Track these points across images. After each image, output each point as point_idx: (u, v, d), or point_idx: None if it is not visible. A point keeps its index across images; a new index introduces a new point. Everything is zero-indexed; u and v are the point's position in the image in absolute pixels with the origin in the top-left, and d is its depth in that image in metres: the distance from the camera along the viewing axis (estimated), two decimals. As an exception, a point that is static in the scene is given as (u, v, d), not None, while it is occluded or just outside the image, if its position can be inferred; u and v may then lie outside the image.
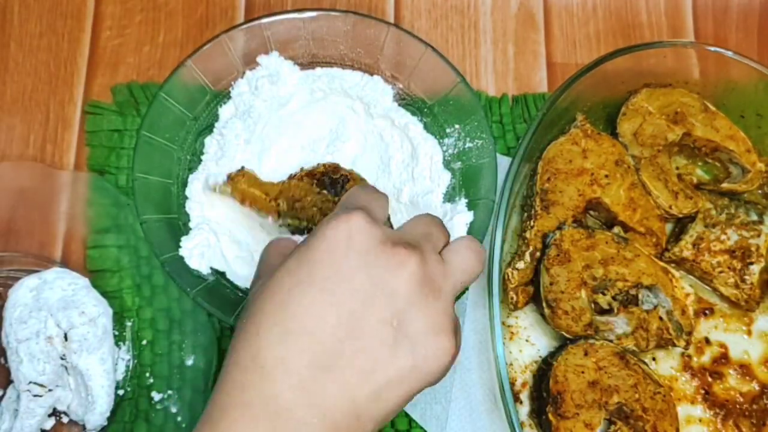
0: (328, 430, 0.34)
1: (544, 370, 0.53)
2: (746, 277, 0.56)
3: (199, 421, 0.35)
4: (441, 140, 0.58)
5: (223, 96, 0.58)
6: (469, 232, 0.54)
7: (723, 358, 0.56)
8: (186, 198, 0.55)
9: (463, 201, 0.55)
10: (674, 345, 0.54)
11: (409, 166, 0.57)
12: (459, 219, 0.54)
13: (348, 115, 0.59)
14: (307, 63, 0.59)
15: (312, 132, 0.59)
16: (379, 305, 0.36)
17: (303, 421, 0.34)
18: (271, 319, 0.36)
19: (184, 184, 0.56)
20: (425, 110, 0.59)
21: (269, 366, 0.35)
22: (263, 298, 0.37)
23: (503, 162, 0.59)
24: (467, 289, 0.58)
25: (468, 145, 0.57)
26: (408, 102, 0.59)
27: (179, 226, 0.55)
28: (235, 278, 0.54)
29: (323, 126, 0.59)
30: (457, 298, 0.41)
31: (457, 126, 0.57)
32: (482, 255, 0.41)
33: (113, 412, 0.54)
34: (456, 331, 0.38)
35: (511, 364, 0.54)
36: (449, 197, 0.57)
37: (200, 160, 0.57)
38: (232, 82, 0.58)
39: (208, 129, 0.58)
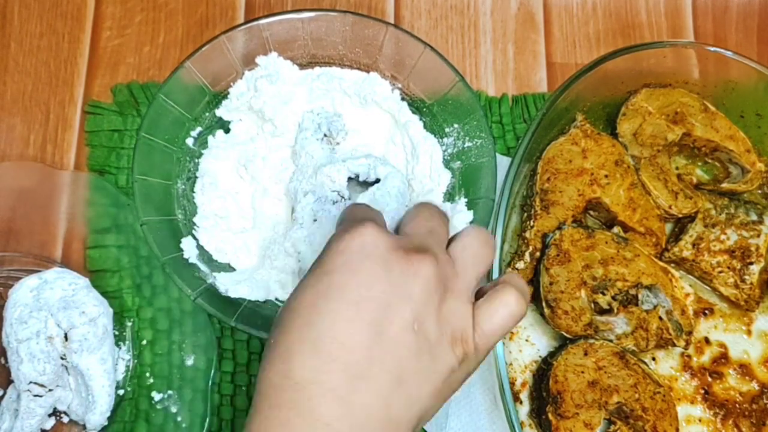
0: None
1: (543, 369, 0.53)
2: (746, 277, 0.56)
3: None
4: (440, 140, 0.58)
5: (222, 97, 0.58)
6: None
7: (723, 357, 0.56)
8: (192, 194, 0.56)
9: (463, 200, 0.55)
10: (674, 345, 0.54)
11: (409, 165, 0.58)
12: (459, 218, 0.54)
13: (349, 110, 0.59)
14: (306, 63, 0.59)
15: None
16: (401, 311, 0.36)
17: None
18: (299, 334, 0.36)
19: (183, 185, 0.56)
20: (424, 110, 0.59)
21: (304, 381, 0.35)
22: (288, 316, 0.37)
23: (503, 162, 0.59)
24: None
25: (467, 144, 0.57)
26: (407, 102, 0.59)
27: (179, 227, 0.55)
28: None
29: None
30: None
31: (456, 125, 0.57)
32: (491, 242, 0.42)
33: (113, 411, 0.54)
34: (469, 332, 0.38)
35: (511, 364, 0.54)
36: (449, 196, 0.57)
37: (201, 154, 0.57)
38: (232, 83, 0.58)
39: (209, 129, 0.58)
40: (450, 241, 0.41)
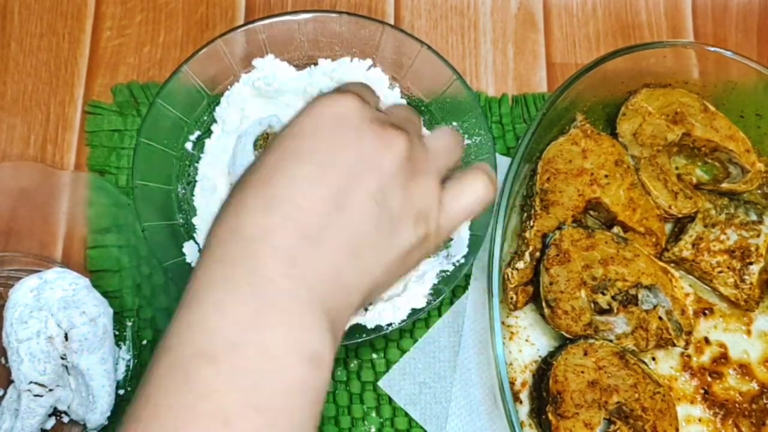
0: (314, 301, 0.33)
1: (543, 369, 0.53)
2: (746, 277, 0.56)
3: (181, 300, 0.34)
4: None
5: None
6: (470, 229, 0.54)
7: (722, 357, 0.56)
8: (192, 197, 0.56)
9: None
10: (674, 345, 0.54)
11: None
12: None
13: None
14: (303, 65, 0.59)
15: None
16: (366, 181, 0.36)
17: (289, 292, 0.33)
18: (255, 192, 0.35)
19: (183, 189, 0.56)
20: (423, 109, 0.59)
21: (252, 237, 0.33)
22: (248, 176, 0.36)
23: (503, 162, 0.59)
24: (466, 289, 0.58)
25: (467, 142, 0.57)
26: (407, 102, 0.59)
27: (180, 231, 0.55)
28: None
29: None
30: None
31: (455, 124, 0.57)
32: (462, 140, 0.42)
33: (114, 411, 0.54)
34: (435, 212, 0.38)
35: (511, 364, 0.54)
36: None
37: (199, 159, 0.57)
38: (229, 86, 0.58)
39: (207, 133, 0.58)
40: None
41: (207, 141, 0.57)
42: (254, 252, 0.33)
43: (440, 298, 0.52)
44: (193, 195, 0.56)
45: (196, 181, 0.57)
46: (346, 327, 0.36)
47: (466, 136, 0.57)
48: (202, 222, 0.56)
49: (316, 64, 0.59)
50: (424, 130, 0.53)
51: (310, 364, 0.32)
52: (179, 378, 0.31)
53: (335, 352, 0.34)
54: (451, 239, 0.55)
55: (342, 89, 0.39)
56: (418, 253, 0.38)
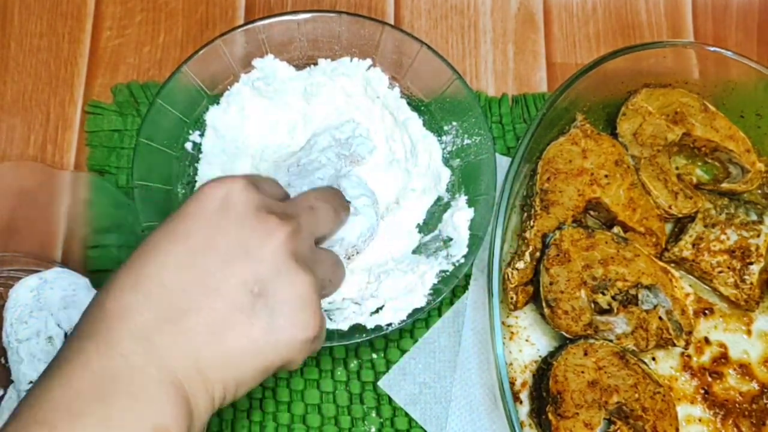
0: (167, 383, 0.33)
1: (543, 369, 0.53)
2: (746, 277, 0.56)
3: (41, 374, 0.34)
4: (439, 138, 0.58)
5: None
6: (470, 229, 0.54)
7: (723, 357, 0.56)
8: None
9: (464, 198, 0.55)
10: (674, 345, 0.54)
11: (408, 162, 0.58)
12: (460, 216, 0.54)
13: (349, 101, 0.59)
14: (303, 65, 0.59)
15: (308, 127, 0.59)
16: (241, 269, 0.35)
17: (140, 369, 0.33)
18: (128, 269, 0.35)
19: (183, 190, 0.56)
20: (423, 108, 0.59)
21: (113, 314, 0.34)
22: (133, 253, 0.36)
23: (503, 162, 0.59)
24: (466, 289, 0.58)
25: (466, 141, 0.57)
26: (406, 101, 0.59)
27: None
28: None
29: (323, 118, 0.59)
30: None
31: (454, 123, 0.57)
32: (342, 267, 0.43)
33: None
34: (319, 309, 0.38)
35: (511, 364, 0.54)
36: (449, 194, 0.57)
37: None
38: (229, 86, 0.58)
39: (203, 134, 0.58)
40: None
41: (203, 141, 0.57)
42: (111, 328, 0.34)
43: (440, 298, 0.52)
44: (188, 187, 0.56)
45: (195, 182, 0.57)
46: (208, 415, 0.35)
47: (465, 135, 0.57)
48: None
49: (315, 63, 0.58)
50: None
51: None
52: None
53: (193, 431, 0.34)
54: (451, 239, 0.55)
55: (236, 175, 0.38)
56: (302, 355, 0.37)
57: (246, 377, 0.36)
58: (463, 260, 0.53)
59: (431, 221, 0.57)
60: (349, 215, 0.46)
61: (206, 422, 0.35)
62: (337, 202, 0.43)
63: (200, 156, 0.57)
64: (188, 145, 0.57)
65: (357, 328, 0.52)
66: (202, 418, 0.35)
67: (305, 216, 0.39)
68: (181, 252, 0.35)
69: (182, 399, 0.33)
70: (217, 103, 0.58)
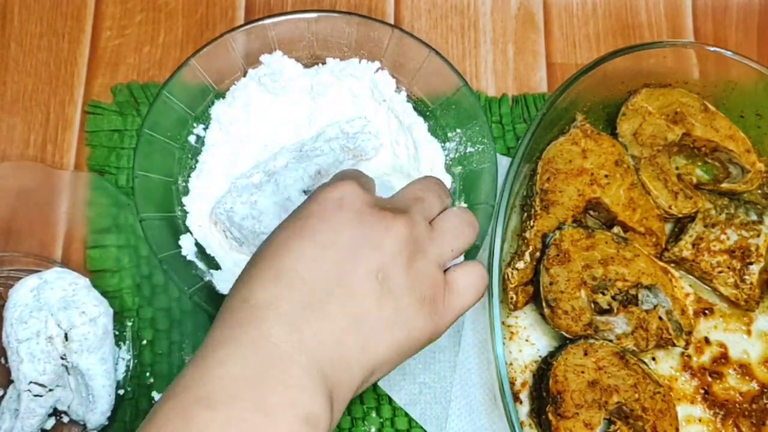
0: (315, 369, 0.35)
1: (543, 369, 0.53)
2: (746, 277, 0.56)
3: (192, 358, 0.36)
4: (443, 144, 0.58)
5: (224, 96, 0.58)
6: None
7: (723, 357, 0.56)
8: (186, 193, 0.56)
9: (463, 205, 0.55)
10: (674, 345, 0.54)
11: (411, 167, 0.58)
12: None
13: (355, 102, 0.59)
14: (311, 64, 0.59)
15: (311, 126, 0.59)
16: (366, 259, 0.38)
17: (290, 356, 0.35)
18: (264, 265, 0.38)
19: (185, 182, 0.56)
20: (427, 114, 0.59)
21: (260, 305, 0.36)
22: (259, 252, 0.39)
23: (503, 162, 0.59)
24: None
25: (469, 149, 0.57)
26: (412, 106, 0.59)
27: (179, 224, 0.55)
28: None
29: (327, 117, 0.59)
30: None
31: (458, 130, 0.57)
32: (475, 223, 0.44)
33: (114, 411, 0.54)
34: (441, 293, 0.40)
35: (511, 364, 0.54)
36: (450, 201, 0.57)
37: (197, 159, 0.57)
38: (235, 82, 0.58)
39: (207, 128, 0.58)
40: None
41: (207, 133, 0.57)
42: (260, 318, 0.36)
43: None
44: (188, 178, 0.56)
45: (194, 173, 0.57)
46: (347, 403, 0.37)
47: (469, 143, 0.57)
48: (191, 203, 0.55)
49: (324, 63, 0.59)
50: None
51: (306, 423, 0.34)
52: (178, 420, 0.33)
53: (334, 422, 0.36)
54: None
55: (341, 176, 0.42)
56: (426, 333, 0.40)
57: (383, 360, 0.38)
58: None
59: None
60: (451, 199, 0.48)
61: (344, 411, 0.37)
62: (440, 190, 0.45)
63: (203, 148, 0.57)
64: (192, 138, 0.57)
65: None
66: (342, 406, 0.37)
67: (415, 206, 0.42)
68: (311, 247, 0.38)
69: (328, 387, 0.35)
70: (223, 98, 0.58)
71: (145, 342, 0.56)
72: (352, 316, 0.37)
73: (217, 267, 0.54)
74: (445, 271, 0.42)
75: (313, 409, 0.34)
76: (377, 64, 0.58)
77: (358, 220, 0.39)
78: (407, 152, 0.58)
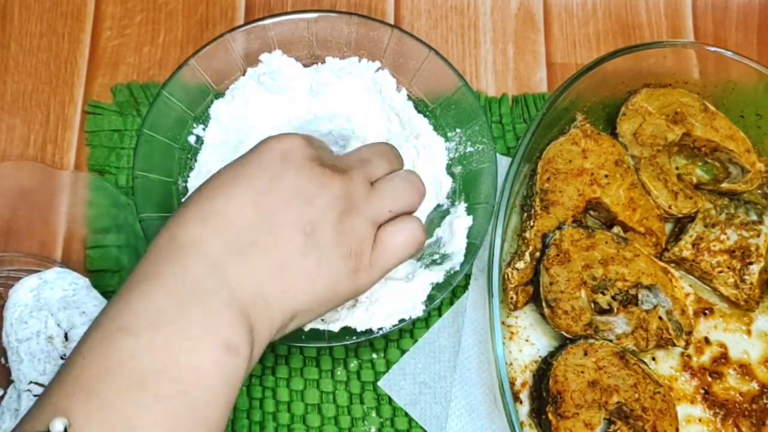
0: (235, 304, 0.37)
1: (543, 369, 0.53)
2: (746, 277, 0.56)
3: (115, 294, 0.37)
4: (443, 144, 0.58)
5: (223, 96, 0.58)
6: (468, 236, 0.54)
7: (723, 357, 0.56)
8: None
9: (463, 205, 0.55)
10: (674, 345, 0.54)
11: (412, 167, 0.58)
12: (458, 223, 0.54)
13: (356, 101, 0.59)
14: (310, 64, 0.59)
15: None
16: (296, 211, 0.39)
17: (211, 290, 0.36)
18: (194, 206, 0.39)
19: (185, 182, 0.56)
20: (427, 114, 0.59)
21: (184, 244, 0.37)
22: (194, 193, 0.40)
23: (503, 162, 0.59)
24: (466, 289, 0.58)
25: (469, 149, 0.57)
26: (412, 105, 0.59)
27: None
28: None
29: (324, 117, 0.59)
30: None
31: (458, 130, 0.57)
32: (418, 185, 0.46)
33: (113, 411, 0.54)
34: (367, 249, 0.42)
35: (511, 364, 0.54)
36: (449, 201, 0.57)
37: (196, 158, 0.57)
38: (235, 82, 0.58)
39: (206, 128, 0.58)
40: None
41: (206, 132, 0.57)
42: (184, 254, 0.37)
43: (432, 305, 0.51)
44: (188, 178, 0.56)
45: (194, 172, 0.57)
46: (266, 342, 0.39)
47: (469, 143, 0.57)
48: None
49: (323, 62, 0.59)
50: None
51: (226, 350, 0.35)
52: (103, 346, 0.34)
53: (253, 359, 0.37)
54: (449, 251, 0.54)
55: (295, 133, 0.42)
56: (349, 286, 0.41)
57: (303, 308, 0.40)
58: (458, 267, 0.53)
59: (429, 228, 0.57)
60: (404, 166, 0.49)
61: (263, 348, 0.39)
62: (391, 153, 0.46)
63: (201, 147, 0.57)
64: (191, 138, 0.57)
65: (348, 331, 0.52)
66: (262, 344, 0.38)
67: (359, 168, 0.43)
68: (245, 194, 0.39)
69: (248, 322, 0.37)
70: (222, 97, 0.58)
71: (145, 342, 0.56)
72: (276, 263, 0.38)
73: None
74: (379, 227, 0.43)
75: (233, 339, 0.36)
76: (378, 63, 0.58)
77: (296, 173, 0.40)
78: (407, 152, 0.58)
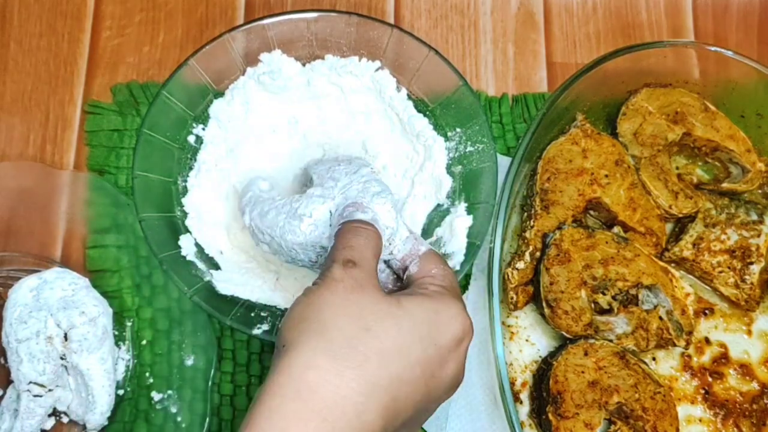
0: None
1: (544, 370, 0.53)
2: (746, 276, 0.56)
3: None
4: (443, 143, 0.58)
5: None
6: (468, 236, 0.54)
7: (723, 357, 0.56)
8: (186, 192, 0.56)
9: (463, 205, 0.55)
10: (674, 345, 0.54)
11: (413, 165, 0.57)
12: (458, 223, 0.54)
13: (356, 100, 0.58)
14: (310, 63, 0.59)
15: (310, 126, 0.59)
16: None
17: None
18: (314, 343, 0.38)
19: (185, 182, 0.56)
20: (427, 113, 0.59)
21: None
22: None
23: (503, 162, 0.58)
24: (466, 289, 0.58)
25: (469, 149, 0.57)
26: (412, 104, 0.59)
27: (178, 224, 0.55)
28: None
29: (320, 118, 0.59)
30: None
31: (458, 130, 0.57)
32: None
33: (113, 411, 0.54)
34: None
35: (511, 364, 0.54)
36: (449, 201, 0.57)
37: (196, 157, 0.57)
38: (234, 82, 0.58)
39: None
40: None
41: (206, 131, 0.57)
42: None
43: None
44: (187, 177, 0.56)
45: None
46: None
47: (469, 142, 0.57)
48: (190, 203, 0.55)
49: (323, 60, 0.58)
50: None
51: None
52: None
53: None
54: (449, 251, 0.54)
55: (347, 257, 0.42)
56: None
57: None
58: (458, 267, 0.53)
59: (430, 227, 0.57)
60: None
61: None
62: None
63: (201, 147, 0.57)
64: (191, 138, 0.57)
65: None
66: None
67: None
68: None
69: None
70: (222, 96, 0.58)
71: (144, 342, 0.56)
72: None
73: (216, 267, 0.54)
74: None
75: None
76: (378, 63, 0.58)
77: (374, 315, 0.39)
78: (407, 153, 0.58)
